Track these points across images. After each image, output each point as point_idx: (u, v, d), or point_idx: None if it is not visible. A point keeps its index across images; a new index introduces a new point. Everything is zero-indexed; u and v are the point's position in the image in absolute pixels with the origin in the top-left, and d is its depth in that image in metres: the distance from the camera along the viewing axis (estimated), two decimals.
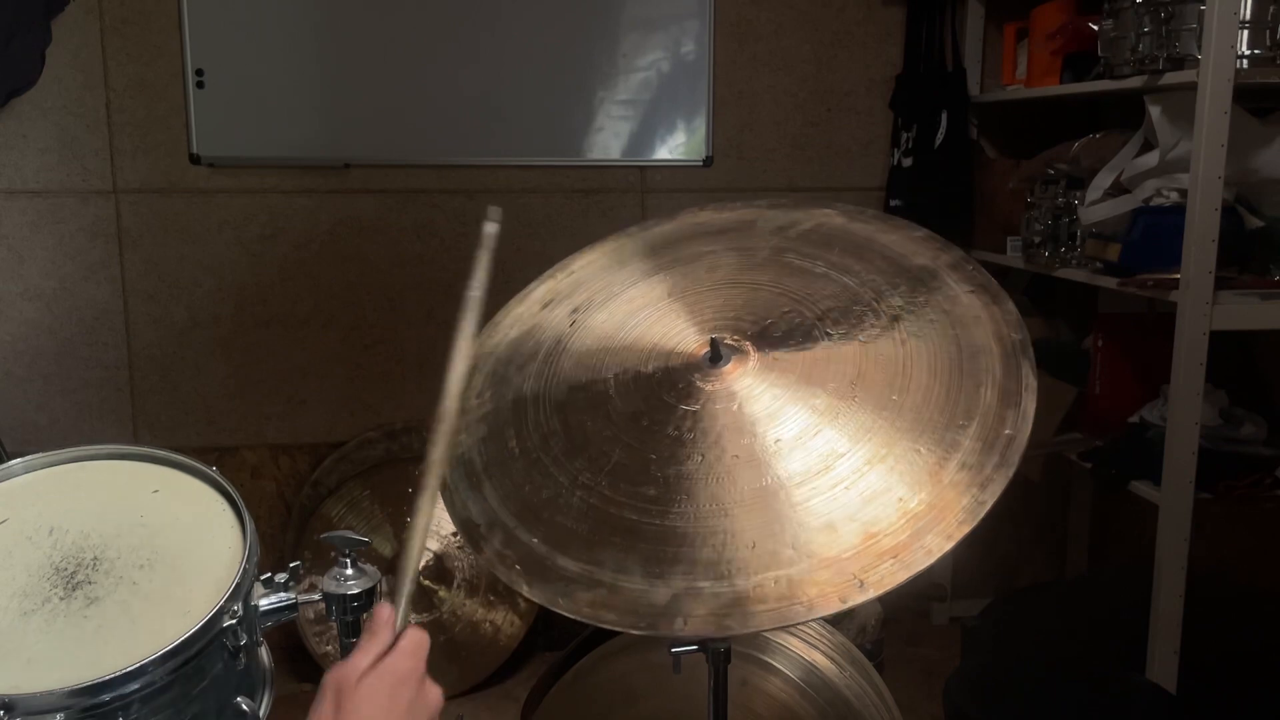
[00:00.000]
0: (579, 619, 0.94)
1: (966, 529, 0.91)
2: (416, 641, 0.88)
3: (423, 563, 0.99)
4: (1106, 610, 2.37)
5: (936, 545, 0.91)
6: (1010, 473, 0.94)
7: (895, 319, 1.08)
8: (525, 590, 0.97)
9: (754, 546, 0.94)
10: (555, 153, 2.89)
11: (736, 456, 1.00)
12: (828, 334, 1.08)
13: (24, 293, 2.75)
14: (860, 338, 1.07)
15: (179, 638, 0.90)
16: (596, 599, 0.94)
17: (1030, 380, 1.00)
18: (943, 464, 0.96)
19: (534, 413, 1.12)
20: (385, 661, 0.86)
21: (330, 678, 0.85)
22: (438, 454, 1.01)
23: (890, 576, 0.89)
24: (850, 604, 0.88)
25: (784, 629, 1.57)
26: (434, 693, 0.88)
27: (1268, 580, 2.24)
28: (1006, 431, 0.96)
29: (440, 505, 1.03)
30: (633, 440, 1.05)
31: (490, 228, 1.13)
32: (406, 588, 0.92)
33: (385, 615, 0.89)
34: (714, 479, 1.00)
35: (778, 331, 1.10)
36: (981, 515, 0.92)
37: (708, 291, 1.19)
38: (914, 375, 1.03)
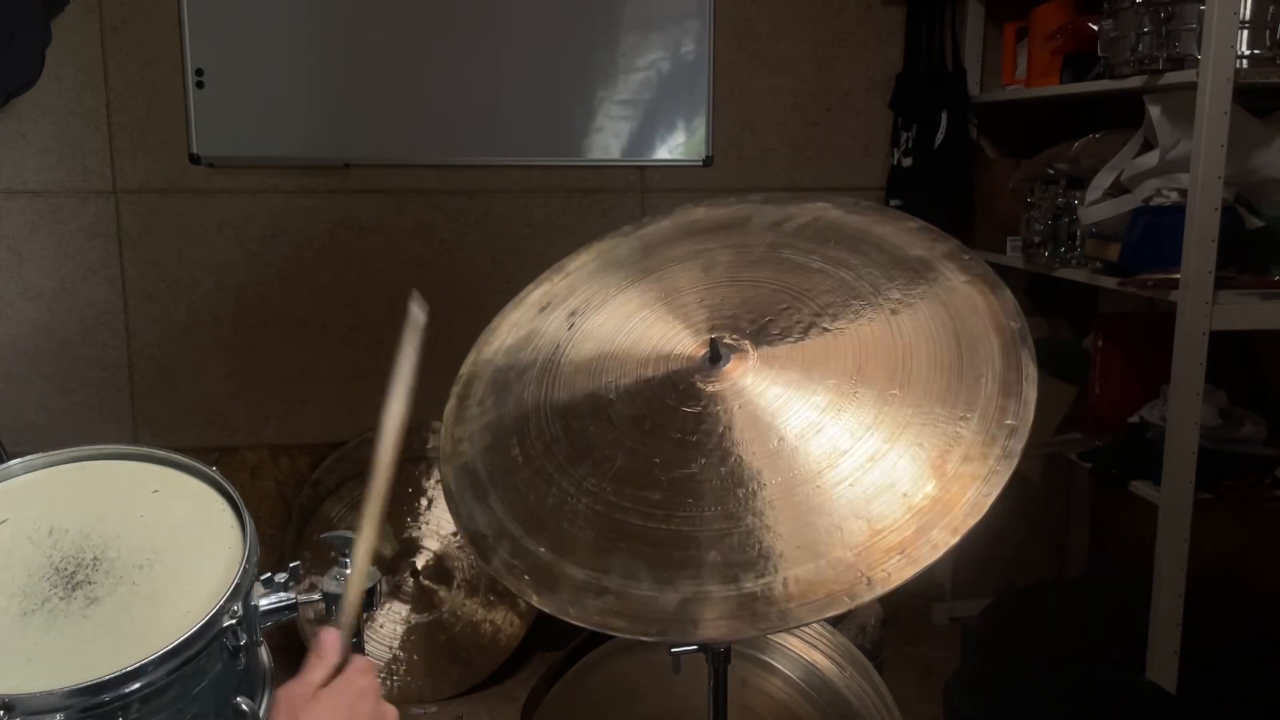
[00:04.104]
0: (590, 628, 0.94)
1: (972, 522, 0.90)
2: (368, 662, 0.88)
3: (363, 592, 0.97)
4: (1106, 610, 2.37)
5: (942, 539, 0.90)
6: (1014, 464, 0.93)
7: (894, 312, 1.07)
8: (535, 601, 0.97)
9: (760, 548, 0.93)
10: (555, 153, 2.88)
11: (739, 458, 1.00)
12: (826, 329, 1.08)
13: (24, 293, 2.75)
14: (859, 332, 1.07)
15: (179, 638, 0.90)
16: (606, 606, 0.94)
17: (1030, 369, 0.99)
18: (945, 457, 0.95)
19: (536, 420, 1.11)
20: (342, 676, 0.85)
21: (283, 693, 0.83)
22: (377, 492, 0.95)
23: (898, 572, 0.89)
24: (859, 601, 0.88)
25: (794, 629, 1.57)
26: (390, 711, 0.87)
27: (1268, 580, 2.24)
28: (1008, 422, 0.95)
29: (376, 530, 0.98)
30: (636, 444, 1.04)
31: (417, 312, 0.99)
32: (349, 619, 0.92)
33: (331, 639, 0.87)
34: (718, 481, 0.99)
35: (776, 329, 1.10)
36: (986, 508, 0.91)
37: (705, 290, 1.18)
38: (914, 368, 1.02)
